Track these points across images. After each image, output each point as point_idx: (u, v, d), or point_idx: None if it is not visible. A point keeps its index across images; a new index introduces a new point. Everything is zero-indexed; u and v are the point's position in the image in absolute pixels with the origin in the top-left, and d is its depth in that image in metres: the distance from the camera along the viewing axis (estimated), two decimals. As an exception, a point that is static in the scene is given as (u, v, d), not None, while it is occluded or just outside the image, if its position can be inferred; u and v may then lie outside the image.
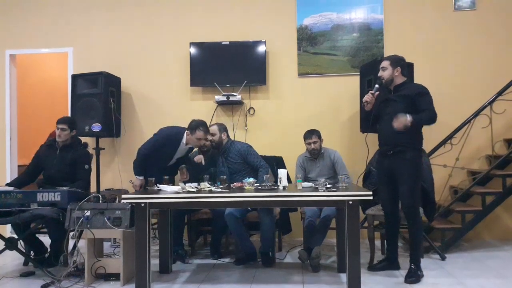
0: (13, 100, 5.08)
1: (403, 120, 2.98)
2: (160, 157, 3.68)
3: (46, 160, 3.71)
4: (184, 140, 3.69)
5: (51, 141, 3.79)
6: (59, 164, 3.67)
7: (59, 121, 3.69)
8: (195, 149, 4.10)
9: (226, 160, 3.82)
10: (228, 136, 3.92)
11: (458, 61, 4.58)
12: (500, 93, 4.04)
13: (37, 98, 6.28)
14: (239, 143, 3.90)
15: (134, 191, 3.59)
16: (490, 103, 4.04)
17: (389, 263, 3.38)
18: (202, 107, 4.77)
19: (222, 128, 3.87)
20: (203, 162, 3.81)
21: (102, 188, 4.55)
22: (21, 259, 3.69)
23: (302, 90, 4.74)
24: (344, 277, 3.09)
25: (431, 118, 3.05)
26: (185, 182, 3.49)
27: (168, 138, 3.67)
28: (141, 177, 3.62)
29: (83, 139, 4.12)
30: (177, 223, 3.71)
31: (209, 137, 3.80)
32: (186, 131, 3.68)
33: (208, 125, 3.75)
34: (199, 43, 4.72)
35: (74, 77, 4.53)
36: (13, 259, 3.78)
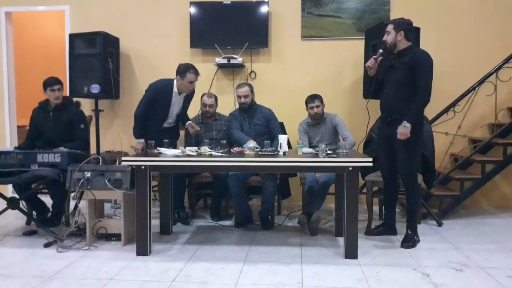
0: (10, 60, 4.99)
1: (403, 131, 2.97)
2: (157, 114, 3.63)
3: (41, 124, 3.66)
4: (175, 89, 3.61)
5: (43, 104, 3.70)
6: (55, 126, 3.63)
7: (54, 83, 3.58)
8: (198, 114, 4.08)
9: (251, 121, 3.81)
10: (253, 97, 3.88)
11: (465, 26, 4.45)
12: (507, 60, 3.96)
13: (35, 58, 6.18)
14: (264, 107, 3.90)
15: (135, 154, 3.58)
16: (496, 70, 3.97)
17: (386, 229, 3.42)
18: (202, 69, 4.61)
19: (252, 89, 3.82)
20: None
21: (102, 150, 4.54)
22: (23, 218, 3.75)
23: (305, 53, 4.63)
24: (341, 241, 3.15)
25: (424, 102, 2.99)
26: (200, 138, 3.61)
27: (158, 90, 3.60)
28: (142, 140, 3.59)
29: (82, 100, 4.07)
30: (178, 186, 3.74)
31: (242, 100, 3.75)
32: (176, 78, 3.59)
33: (208, 90, 3.69)
34: (200, 2, 4.57)
35: (72, 37, 4.42)
36: (15, 218, 3.84)
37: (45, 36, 6.28)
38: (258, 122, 3.81)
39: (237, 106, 3.94)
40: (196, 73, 3.58)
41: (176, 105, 3.70)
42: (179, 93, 3.65)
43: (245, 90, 3.76)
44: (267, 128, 3.83)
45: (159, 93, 3.59)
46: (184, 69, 3.53)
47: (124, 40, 4.72)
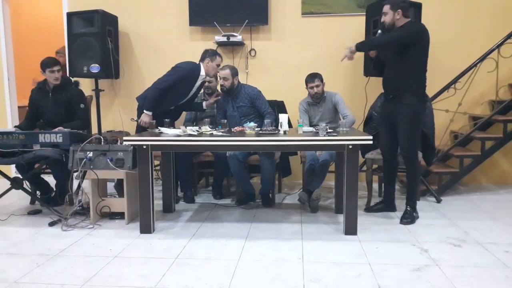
0: (8, 40, 4.95)
1: (346, 50, 3.17)
2: (178, 92, 3.65)
3: (40, 105, 3.65)
4: (202, 72, 3.67)
5: (41, 84, 3.68)
6: (54, 107, 3.62)
7: (53, 64, 3.55)
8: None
9: (235, 103, 3.78)
10: (238, 80, 3.82)
11: (467, 1, 4.37)
12: (509, 36, 3.92)
13: (33, 38, 6.12)
14: (249, 87, 3.84)
15: (137, 126, 3.58)
16: (498, 46, 3.93)
17: (385, 206, 3.46)
18: (201, 47, 4.55)
19: (234, 72, 3.76)
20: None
21: (103, 130, 4.56)
22: (27, 198, 3.79)
23: (305, 30, 4.58)
24: (341, 217, 3.20)
25: (378, 40, 3.12)
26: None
27: (191, 71, 3.64)
28: (150, 113, 3.56)
29: (82, 80, 4.05)
30: (185, 167, 3.78)
31: (221, 82, 3.76)
32: (205, 59, 3.66)
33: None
34: (198, -21, 4.50)
35: (70, 16, 4.37)
36: (19, 198, 3.88)
37: (42, 15, 6.20)
38: (242, 104, 3.76)
39: None
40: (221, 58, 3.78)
41: (195, 87, 3.75)
42: (206, 75, 3.72)
43: (225, 72, 3.71)
44: (253, 108, 3.77)
45: (190, 74, 3.64)
46: (214, 52, 3.69)
47: (123, 18, 4.66)
